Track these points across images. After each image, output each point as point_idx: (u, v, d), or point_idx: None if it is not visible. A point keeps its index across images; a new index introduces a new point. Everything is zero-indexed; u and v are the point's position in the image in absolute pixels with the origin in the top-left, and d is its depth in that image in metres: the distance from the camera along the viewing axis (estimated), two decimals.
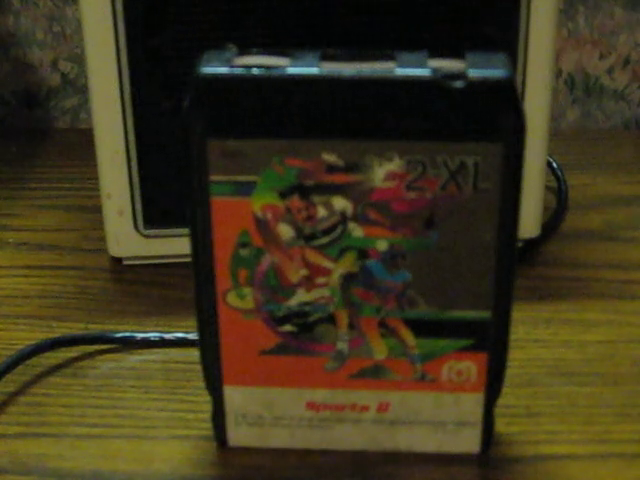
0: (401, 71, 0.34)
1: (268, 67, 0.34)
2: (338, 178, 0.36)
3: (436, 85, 0.34)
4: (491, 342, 0.38)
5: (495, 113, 0.34)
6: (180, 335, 0.48)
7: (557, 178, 0.62)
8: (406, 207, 0.36)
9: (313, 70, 0.34)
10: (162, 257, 0.54)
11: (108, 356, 0.47)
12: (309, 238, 0.37)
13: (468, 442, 0.41)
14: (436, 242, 0.37)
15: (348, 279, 0.38)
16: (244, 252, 0.37)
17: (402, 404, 0.40)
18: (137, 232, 0.53)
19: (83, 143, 0.68)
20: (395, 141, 0.35)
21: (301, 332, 0.39)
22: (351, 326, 0.38)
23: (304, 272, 0.38)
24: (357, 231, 0.37)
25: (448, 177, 0.35)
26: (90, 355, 0.48)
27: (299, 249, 0.37)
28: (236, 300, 0.38)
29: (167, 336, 0.48)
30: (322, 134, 0.35)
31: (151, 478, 0.40)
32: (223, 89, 0.34)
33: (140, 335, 0.48)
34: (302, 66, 0.34)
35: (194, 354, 0.47)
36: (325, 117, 0.35)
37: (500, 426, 0.42)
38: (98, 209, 0.54)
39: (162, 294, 0.52)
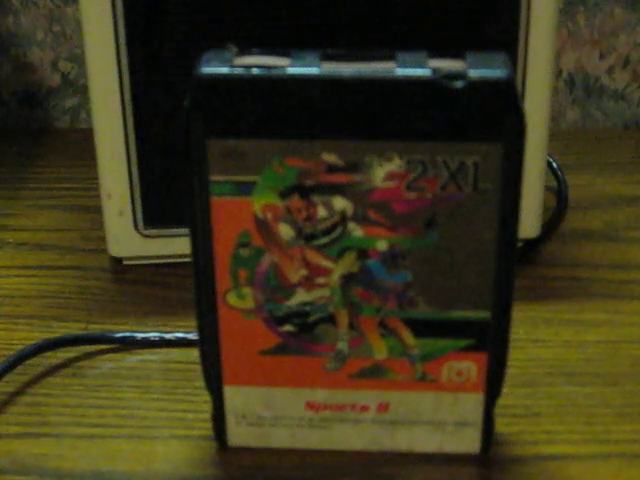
0: (401, 71, 0.34)
1: (268, 67, 0.34)
2: (338, 178, 0.36)
3: (436, 85, 0.34)
4: (491, 342, 0.38)
5: (495, 113, 0.34)
6: (180, 335, 0.48)
7: (557, 178, 0.62)
8: (406, 207, 0.36)
9: (313, 70, 0.34)
10: (162, 257, 0.54)
11: (108, 356, 0.47)
12: (309, 238, 0.37)
13: (468, 442, 0.41)
14: (436, 242, 0.37)
15: (348, 279, 0.38)
16: (244, 252, 0.37)
17: (402, 404, 0.40)
18: (137, 232, 0.53)
19: (83, 143, 0.69)
20: (395, 141, 0.35)
21: (301, 332, 0.39)
22: (351, 326, 0.38)
23: (304, 272, 0.38)
24: (357, 231, 0.37)
25: (448, 177, 0.35)
26: (90, 355, 0.48)
27: (299, 249, 0.37)
28: (236, 300, 0.38)
29: (167, 336, 0.48)
30: (322, 134, 0.35)
31: (151, 478, 0.40)
32: (223, 89, 0.34)
33: (140, 335, 0.48)
34: (302, 66, 0.34)
35: (194, 354, 0.47)
36: (325, 117, 0.35)
37: (500, 426, 0.42)
38: (98, 209, 0.54)
39: (162, 294, 0.52)
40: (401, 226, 0.36)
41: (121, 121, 0.51)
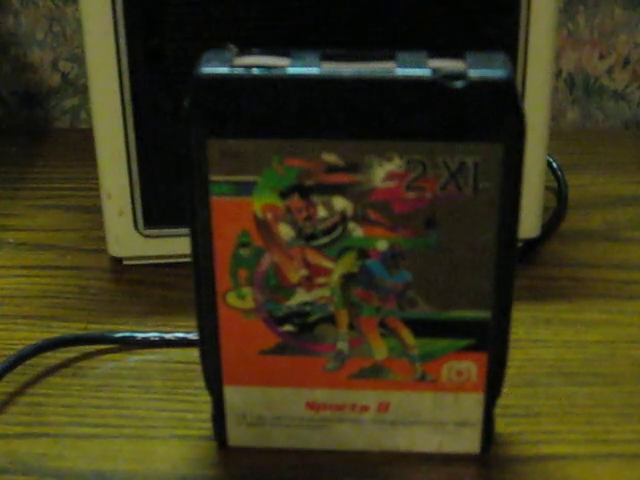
0: (401, 71, 0.34)
1: (268, 67, 0.34)
2: (338, 178, 0.36)
3: (436, 85, 0.34)
4: (491, 342, 0.38)
5: (495, 113, 0.34)
6: (180, 335, 0.48)
7: (557, 178, 0.62)
8: (406, 207, 0.36)
9: (313, 70, 0.34)
10: (162, 257, 0.54)
11: (108, 356, 0.47)
12: (309, 238, 0.37)
13: (468, 442, 0.41)
14: (436, 242, 0.37)
15: (348, 279, 0.38)
16: (244, 252, 0.37)
17: (402, 404, 0.40)
18: (137, 232, 0.53)
19: (83, 143, 0.68)
20: (395, 141, 0.35)
21: (301, 332, 0.39)
22: (351, 326, 0.38)
23: (304, 272, 0.38)
24: (357, 231, 0.37)
25: (448, 177, 0.35)
26: (90, 355, 0.48)
27: (299, 249, 0.37)
28: (236, 300, 0.38)
29: (167, 336, 0.48)
30: (322, 134, 0.35)
31: (151, 478, 0.40)
32: (223, 89, 0.34)
33: (140, 335, 0.48)
34: (302, 66, 0.34)
35: (194, 354, 0.47)
36: (325, 117, 0.35)
37: (500, 426, 0.42)
38: (98, 209, 0.54)
39: (162, 294, 0.52)
40: (401, 226, 0.36)
41: (121, 121, 0.51)
